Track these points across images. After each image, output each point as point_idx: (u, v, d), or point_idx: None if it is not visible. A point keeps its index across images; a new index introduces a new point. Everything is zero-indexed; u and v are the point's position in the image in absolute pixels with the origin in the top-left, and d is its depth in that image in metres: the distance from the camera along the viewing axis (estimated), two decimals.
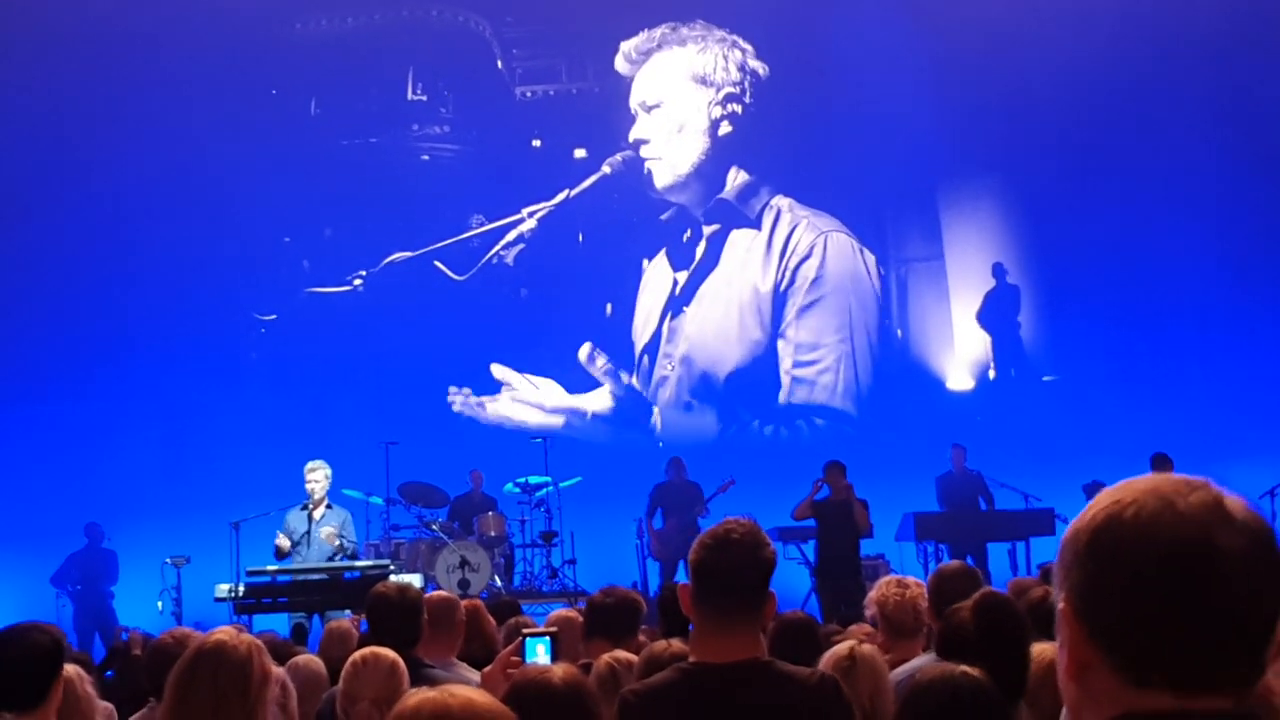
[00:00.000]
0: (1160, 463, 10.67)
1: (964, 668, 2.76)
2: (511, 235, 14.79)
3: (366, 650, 3.73)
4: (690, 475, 12.44)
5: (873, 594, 4.61)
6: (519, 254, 14.84)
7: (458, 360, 14.28)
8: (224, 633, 2.98)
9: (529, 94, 15.21)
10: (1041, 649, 3.46)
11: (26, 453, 13.20)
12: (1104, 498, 1.20)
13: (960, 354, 14.87)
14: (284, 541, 9.69)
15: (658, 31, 14.79)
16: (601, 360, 14.50)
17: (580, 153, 14.88)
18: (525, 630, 3.55)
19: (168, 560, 11.40)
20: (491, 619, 5.30)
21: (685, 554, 11.21)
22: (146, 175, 13.70)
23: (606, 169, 14.77)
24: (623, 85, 14.84)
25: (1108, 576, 1.15)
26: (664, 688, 2.80)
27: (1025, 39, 14.01)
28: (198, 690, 2.82)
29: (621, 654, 3.74)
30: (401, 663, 3.67)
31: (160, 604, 11.22)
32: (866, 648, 3.72)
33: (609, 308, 14.89)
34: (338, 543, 9.63)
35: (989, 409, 14.42)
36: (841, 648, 3.67)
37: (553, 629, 3.54)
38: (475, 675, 4.20)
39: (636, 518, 12.60)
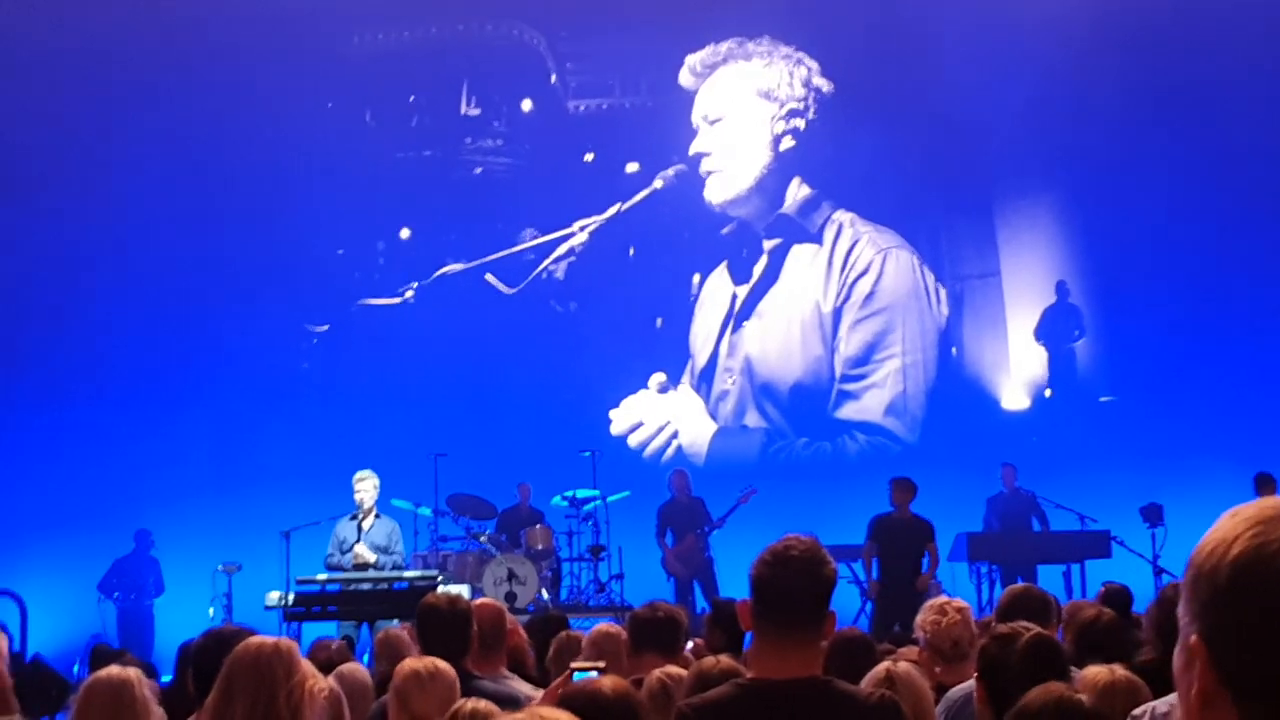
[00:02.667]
0: (1264, 483, 10.61)
1: (1064, 688, 2.76)
2: (563, 249, 14.80)
3: (429, 662, 3.69)
4: (697, 490, 12.46)
5: (917, 618, 4.61)
6: (570, 267, 14.85)
7: (507, 373, 14.26)
8: (264, 639, 2.97)
9: (582, 108, 15.23)
10: (1095, 673, 3.39)
11: (81, 457, 13.35)
12: (1239, 526, 1.12)
13: (1016, 373, 14.66)
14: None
15: (724, 46, 14.73)
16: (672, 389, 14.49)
17: (632, 167, 14.86)
18: (573, 664, 3.49)
19: (219, 567, 11.50)
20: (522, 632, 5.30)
21: (698, 572, 11.12)
22: (201, 186, 13.86)
23: (658, 183, 14.74)
24: (676, 99, 14.81)
25: (1252, 624, 1.09)
26: (722, 702, 2.77)
27: (1083, 54, 13.82)
28: (238, 695, 2.80)
29: (673, 669, 3.69)
30: (456, 679, 3.64)
31: (212, 611, 11.32)
32: (903, 666, 3.70)
33: (659, 321, 14.85)
34: (373, 558, 9.78)
35: (1045, 429, 14.20)
36: (879, 669, 3.65)
37: (600, 664, 3.48)
38: (526, 687, 4.16)
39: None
